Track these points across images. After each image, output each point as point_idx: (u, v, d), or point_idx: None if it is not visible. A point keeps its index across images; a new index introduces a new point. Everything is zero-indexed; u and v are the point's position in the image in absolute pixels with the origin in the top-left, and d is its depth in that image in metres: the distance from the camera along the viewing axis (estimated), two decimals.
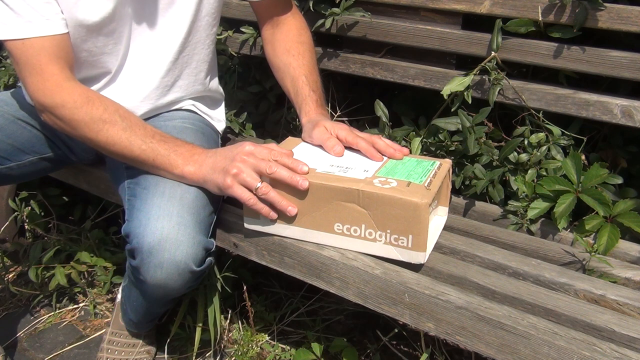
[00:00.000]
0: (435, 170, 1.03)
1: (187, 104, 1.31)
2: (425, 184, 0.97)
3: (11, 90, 1.33)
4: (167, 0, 1.16)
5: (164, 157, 1.05)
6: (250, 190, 0.99)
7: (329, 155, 1.08)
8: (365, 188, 0.95)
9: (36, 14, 1.01)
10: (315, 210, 1.00)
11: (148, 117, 1.26)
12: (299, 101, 1.22)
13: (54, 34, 1.03)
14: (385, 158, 1.08)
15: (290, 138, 1.18)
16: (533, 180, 1.28)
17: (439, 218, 1.11)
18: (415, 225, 0.94)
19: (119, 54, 1.17)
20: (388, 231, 0.96)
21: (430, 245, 1.02)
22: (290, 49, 1.27)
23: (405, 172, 1.02)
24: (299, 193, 0.99)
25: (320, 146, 1.12)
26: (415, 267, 1.00)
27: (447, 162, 1.09)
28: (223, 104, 1.42)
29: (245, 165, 0.99)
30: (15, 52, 1.03)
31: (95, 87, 1.20)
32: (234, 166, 0.99)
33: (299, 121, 1.24)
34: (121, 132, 1.04)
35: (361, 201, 0.96)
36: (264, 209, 1.01)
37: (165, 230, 0.99)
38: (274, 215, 1.02)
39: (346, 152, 1.10)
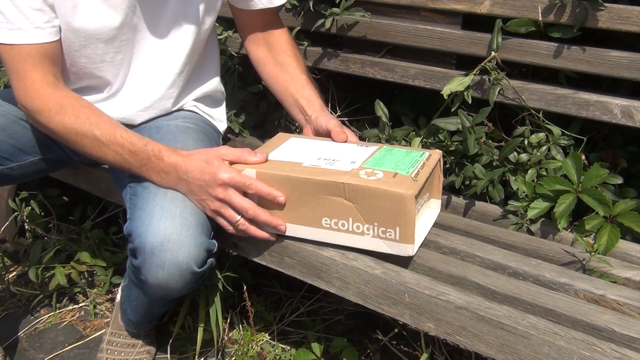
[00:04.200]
0: (423, 161, 1.02)
1: (189, 105, 1.31)
2: (412, 175, 0.96)
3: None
4: (173, 14, 1.16)
5: (137, 169, 1.06)
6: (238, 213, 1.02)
7: (318, 148, 1.08)
8: (350, 181, 0.94)
9: (26, 22, 1.02)
10: (303, 206, 0.99)
11: (150, 119, 1.26)
12: (306, 94, 1.22)
13: (41, 42, 1.05)
14: (373, 148, 1.07)
15: (280, 134, 1.18)
16: (533, 180, 1.28)
17: (431, 211, 1.09)
18: (402, 217, 0.93)
19: (122, 63, 1.17)
20: (375, 224, 0.95)
21: (420, 238, 1.01)
22: (286, 50, 1.28)
23: (392, 162, 1.01)
24: (285, 189, 0.99)
25: (319, 137, 1.15)
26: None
27: (437, 153, 1.08)
28: (224, 104, 1.41)
29: (222, 204, 1.01)
30: (3, 55, 1.05)
31: (97, 96, 1.21)
32: (213, 204, 1.01)
33: (303, 113, 1.23)
34: (93, 143, 1.06)
35: (347, 194, 0.95)
36: (251, 229, 1.03)
37: (168, 230, 0.99)
38: (263, 234, 1.04)
39: (336, 145, 1.10)
